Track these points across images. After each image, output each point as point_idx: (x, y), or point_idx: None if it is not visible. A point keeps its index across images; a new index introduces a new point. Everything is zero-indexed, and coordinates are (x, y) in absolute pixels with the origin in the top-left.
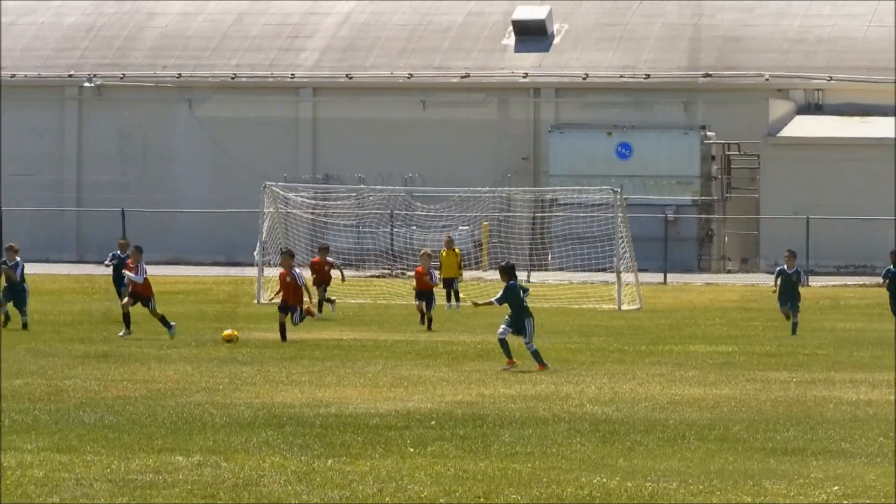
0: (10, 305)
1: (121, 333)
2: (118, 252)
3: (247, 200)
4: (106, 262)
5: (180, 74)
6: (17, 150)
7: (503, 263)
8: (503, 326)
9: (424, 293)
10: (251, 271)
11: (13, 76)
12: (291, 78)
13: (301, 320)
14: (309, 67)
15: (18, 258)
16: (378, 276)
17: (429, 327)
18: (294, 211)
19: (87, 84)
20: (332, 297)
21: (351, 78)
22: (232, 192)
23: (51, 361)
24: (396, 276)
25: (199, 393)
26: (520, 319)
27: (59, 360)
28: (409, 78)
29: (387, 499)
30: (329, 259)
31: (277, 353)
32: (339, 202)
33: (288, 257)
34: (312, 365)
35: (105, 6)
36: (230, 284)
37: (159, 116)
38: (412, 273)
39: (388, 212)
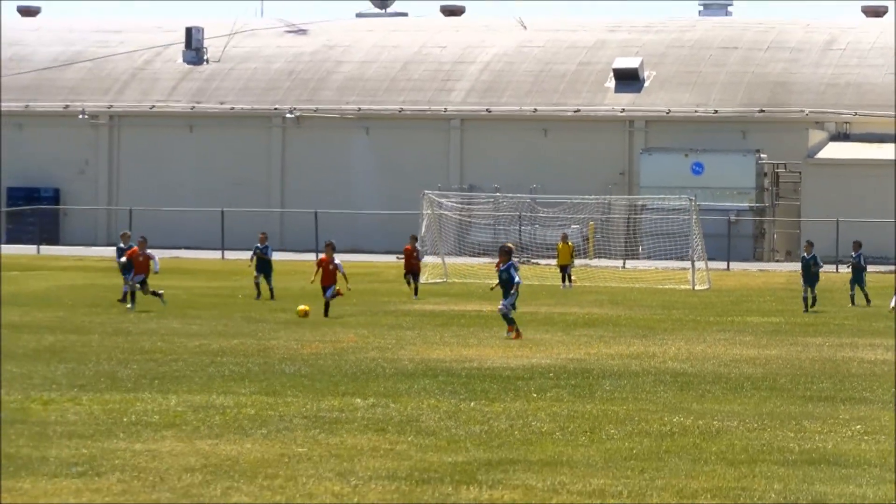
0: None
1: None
2: (121, 245)
3: (410, 204)
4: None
5: (360, 108)
6: (236, 164)
7: (503, 246)
8: (508, 301)
9: (411, 271)
10: None
11: (232, 108)
12: (444, 111)
13: (332, 297)
14: (458, 103)
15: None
16: None
17: (416, 293)
18: (445, 213)
19: (288, 115)
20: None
21: (490, 111)
22: (398, 198)
23: (261, 326)
24: (523, 263)
25: (373, 350)
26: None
27: (267, 325)
28: (534, 112)
29: (516, 432)
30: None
31: (433, 321)
32: (480, 206)
33: (330, 249)
34: (459, 330)
35: (303, 56)
36: (397, 269)
37: (343, 140)
38: (537, 260)
39: (517, 213)
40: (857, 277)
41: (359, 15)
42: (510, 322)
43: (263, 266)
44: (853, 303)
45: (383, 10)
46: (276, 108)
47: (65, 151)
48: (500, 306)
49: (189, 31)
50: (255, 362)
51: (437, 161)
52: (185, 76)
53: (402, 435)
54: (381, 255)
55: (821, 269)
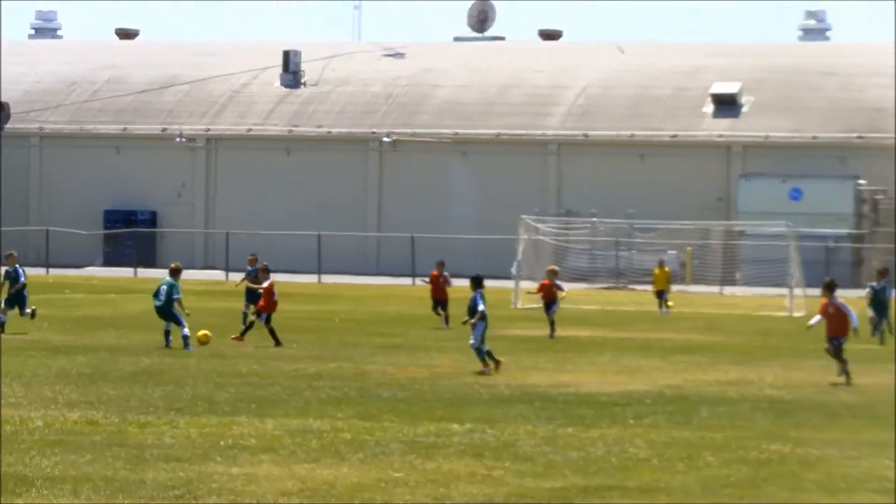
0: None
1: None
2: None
3: (507, 229)
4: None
5: (457, 132)
6: (332, 188)
7: (475, 275)
8: (475, 333)
9: (438, 299)
10: (509, 283)
11: (329, 132)
12: (542, 136)
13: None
14: (555, 127)
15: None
16: (606, 288)
17: (447, 322)
18: (542, 238)
19: (385, 139)
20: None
21: (587, 136)
22: (495, 222)
23: (357, 350)
24: (620, 289)
25: (468, 375)
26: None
27: (363, 349)
28: (631, 137)
29: (613, 459)
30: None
31: (528, 346)
32: (576, 231)
33: (441, 266)
34: (555, 355)
35: (400, 79)
36: (493, 293)
37: (440, 165)
38: (634, 286)
39: (614, 239)
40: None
41: (456, 38)
42: (482, 358)
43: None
44: None
45: (481, 34)
46: (373, 132)
47: (162, 174)
48: (470, 340)
49: (286, 54)
50: (352, 386)
51: (534, 185)
52: (282, 99)
53: (499, 460)
54: None
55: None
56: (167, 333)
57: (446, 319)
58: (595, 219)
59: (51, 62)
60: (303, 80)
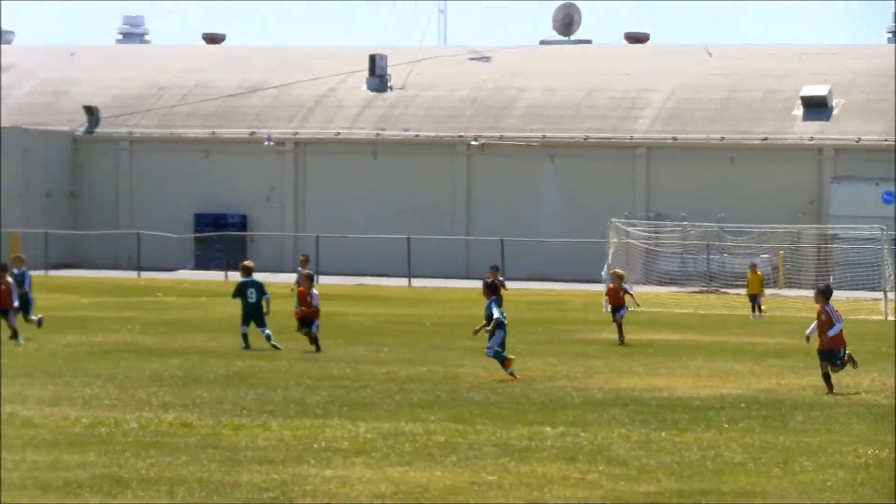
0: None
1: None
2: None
3: (596, 233)
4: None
5: (545, 136)
6: (420, 191)
7: (489, 280)
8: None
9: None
10: (599, 287)
11: (416, 135)
12: (630, 139)
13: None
14: (643, 131)
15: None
16: (698, 292)
17: None
18: (632, 241)
19: (473, 143)
20: None
21: (676, 139)
22: (584, 225)
23: (448, 353)
24: (712, 293)
25: (561, 379)
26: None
27: (454, 352)
28: (720, 140)
29: (708, 463)
30: None
31: (621, 350)
32: (667, 234)
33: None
34: (647, 359)
35: (486, 83)
36: (583, 297)
37: (528, 168)
38: (726, 290)
39: (705, 242)
40: None
41: (542, 42)
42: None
43: None
44: None
45: (567, 37)
46: (460, 136)
47: (251, 178)
48: (486, 349)
49: (373, 58)
50: (444, 389)
51: (623, 189)
52: (368, 103)
53: (593, 464)
54: (568, 283)
55: None
56: (245, 336)
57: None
58: (686, 222)
59: (139, 67)
60: (389, 84)
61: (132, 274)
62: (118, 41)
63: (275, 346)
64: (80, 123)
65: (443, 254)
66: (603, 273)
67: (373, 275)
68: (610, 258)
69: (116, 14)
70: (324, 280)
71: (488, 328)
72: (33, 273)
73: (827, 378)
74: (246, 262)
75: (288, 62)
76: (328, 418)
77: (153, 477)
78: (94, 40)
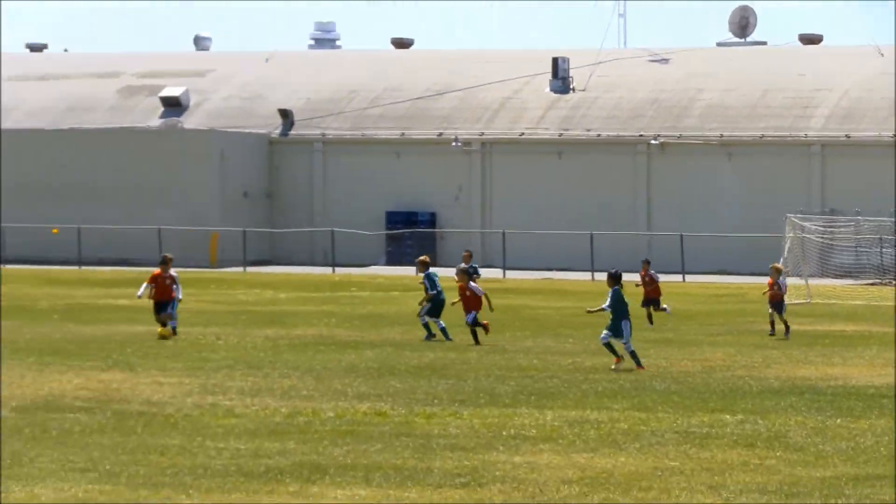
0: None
1: None
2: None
3: (773, 227)
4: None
5: (722, 135)
6: (602, 189)
7: (611, 271)
8: (605, 331)
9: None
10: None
11: (598, 135)
12: (805, 137)
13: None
14: (818, 129)
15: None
16: (871, 284)
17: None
18: (808, 236)
19: (653, 142)
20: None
21: (849, 137)
22: (761, 221)
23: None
24: (885, 285)
25: (740, 369)
26: (617, 323)
27: (637, 343)
28: (892, 137)
29: (882, 449)
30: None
31: (798, 341)
32: (841, 229)
33: (464, 274)
34: (823, 349)
35: (665, 84)
36: (760, 289)
37: (706, 166)
38: None
39: (878, 236)
40: None
41: (719, 44)
42: (637, 361)
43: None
44: None
45: (742, 39)
46: (640, 135)
47: (440, 177)
48: (624, 345)
49: (555, 61)
50: (627, 379)
51: (799, 185)
52: (552, 105)
53: (771, 450)
54: (746, 276)
55: None
56: (427, 325)
57: (650, 318)
58: (859, 217)
59: (331, 71)
60: (572, 86)
61: (327, 270)
62: (310, 46)
63: (447, 338)
64: (275, 126)
65: (625, 249)
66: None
67: (557, 269)
68: (786, 252)
69: (308, 20)
70: (510, 275)
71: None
72: (233, 270)
73: None
74: (422, 257)
75: (474, 66)
76: (517, 407)
77: (349, 463)
78: (288, 46)
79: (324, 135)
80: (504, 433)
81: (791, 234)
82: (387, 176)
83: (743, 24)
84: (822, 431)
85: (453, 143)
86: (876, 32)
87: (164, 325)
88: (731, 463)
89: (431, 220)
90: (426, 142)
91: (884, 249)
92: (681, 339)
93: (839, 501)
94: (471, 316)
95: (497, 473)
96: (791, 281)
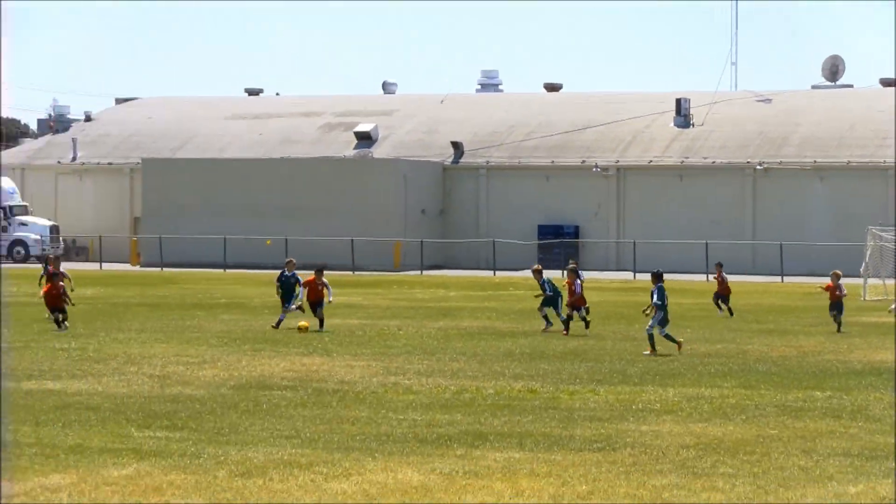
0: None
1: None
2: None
3: (856, 237)
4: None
5: (815, 161)
6: (716, 207)
7: (655, 271)
8: (651, 322)
9: (721, 294)
10: (859, 280)
11: (713, 162)
12: (883, 163)
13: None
14: (893, 157)
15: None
16: None
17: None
18: (886, 244)
19: (758, 167)
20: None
21: None
22: (847, 231)
23: (738, 334)
24: None
25: (829, 353)
26: (664, 315)
27: (743, 333)
28: None
29: None
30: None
31: (877, 330)
32: None
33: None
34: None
35: (768, 119)
36: (849, 288)
37: (802, 187)
38: None
39: None
40: None
41: (813, 87)
42: (652, 343)
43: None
44: None
45: (833, 83)
46: (748, 162)
47: (582, 197)
48: (647, 327)
49: (678, 101)
50: (735, 363)
51: (879, 202)
52: (675, 137)
53: (854, 421)
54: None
55: None
56: (546, 317)
57: (730, 311)
58: None
59: (494, 110)
60: (692, 122)
61: (489, 273)
62: (477, 90)
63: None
64: (448, 155)
65: (735, 255)
66: (861, 269)
67: (679, 272)
68: (867, 258)
69: (476, 68)
70: (640, 277)
71: (646, 311)
72: (412, 273)
73: None
74: (536, 266)
75: (611, 105)
76: (644, 385)
77: (506, 431)
78: (459, 89)
79: (487, 162)
80: (633, 407)
81: (871, 243)
82: (538, 196)
83: (834, 70)
84: None
85: (594, 169)
86: None
87: (321, 321)
88: (821, 431)
89: (575, 232)
90: (571, 168)
91: None
92: (780, 329)
93: None
94: (582, 309)
95: (627, 440)
96: (872, 282)
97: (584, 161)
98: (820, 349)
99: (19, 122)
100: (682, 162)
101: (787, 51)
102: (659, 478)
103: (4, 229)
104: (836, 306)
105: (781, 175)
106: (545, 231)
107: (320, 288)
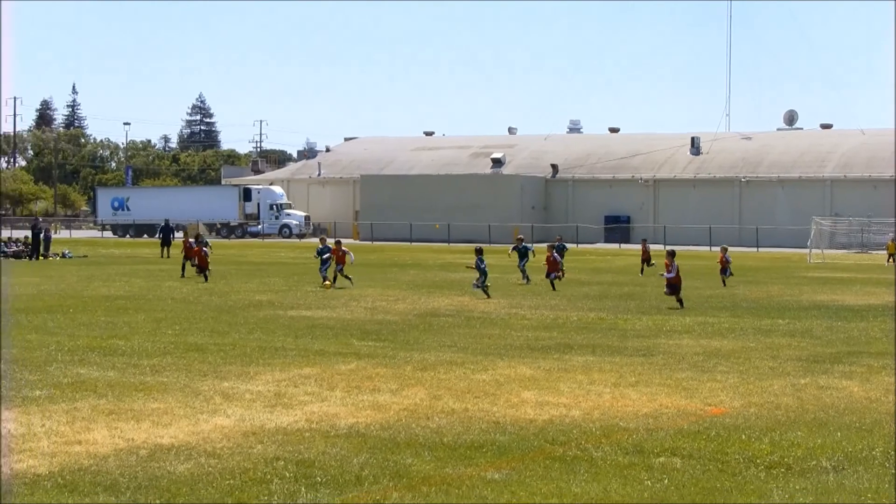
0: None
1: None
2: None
3: (806, 224)
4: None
5: (779, 176)
6: (713, 204)
7: (670, 250)
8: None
9: None
10: (806, 250)
11: (714, 177)
12: None
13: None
14: None
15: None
16: None
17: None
18: (823, 228)
19: (742, 180)
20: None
21: None
22: (799, 221)
23: (729, 285)
24: None
25: (786, 296)
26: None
27: (732, 284)
28: None
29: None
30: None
31: (819, 281)
32: None
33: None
34: None
35: (749, 149)
36: None
37: (770, 193)
38: None
39: None
40: None
41: (778, 129)
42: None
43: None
44: None
45: (790, 126)
46: (736, 177)
47: (632, 198)
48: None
49: (693, 138)
50: (727, 301)
51: (819, 202)
52: (690, 161)
53: (804, 338)
54: None
55: None
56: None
57: (723, 282)
58: None
59: (577, 144)
60: (701, 151)
61: (574, 245)
62: (567, 131)
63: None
64: (548, 173)
65: (727, 234)
66: (808, 243)
67: (692, 245)
68: (812, 236)
69: (567, 117)
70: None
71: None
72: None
73: None
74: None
75: (650, 140)
76: (670, 315)
77: (584, 343)
78: (555, 131)
79: (573, 177)
80: (664, 328)
81: (814, 227)
82: (605, 198)
83: (790, 117)
84: None
85: (639, 181)
86: None
87: (333, 280)
88: (782, 345)
89: (627, 220)
90: (625, 181)
91: None
92: (756, 280)
93: None
94: (549, 275)
95: (660, 349)
96: (814, 251)
97: (632, 176)
98: (781, 293)
99: (285, 152)
100: (695, 177)
101: (760, 104)
102: (680, 373)
103: (277, 217)
104: (724, 270)
105: (758, 185)
106: (609, 220)
107: (342, 255)
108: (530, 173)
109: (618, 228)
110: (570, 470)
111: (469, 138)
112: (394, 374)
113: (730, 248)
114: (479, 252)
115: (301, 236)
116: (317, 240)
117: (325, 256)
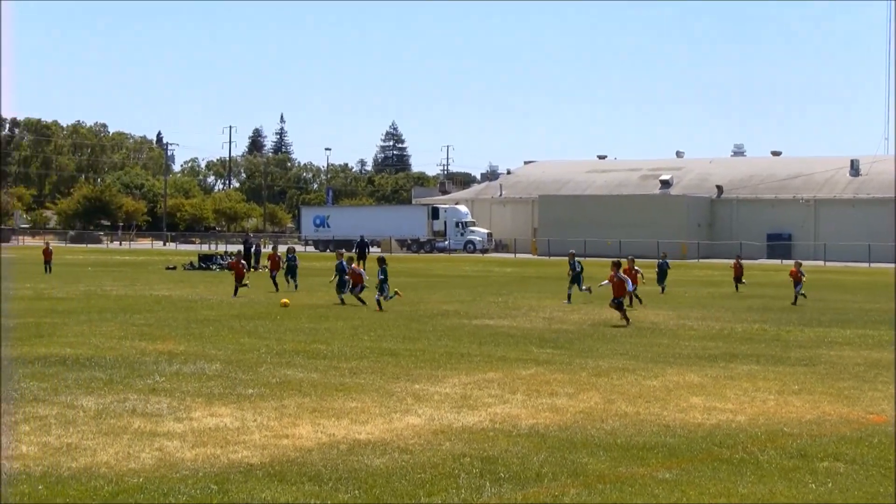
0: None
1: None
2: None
3: None
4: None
5: None
6: (873, 223)
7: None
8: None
9: None
10: None
11: (874, 197)
12: None
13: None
14: None
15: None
16: None
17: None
18: None
19: None
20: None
21: None
22: None
23: None
24: None
25: None
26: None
27: None
28: None
29: None
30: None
31: None
32: None
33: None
34: None
35: None
36: None
37: None
38: None
39: None
40: None
41: None
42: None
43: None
44: None
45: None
46: (893, 197)
47: (793, 217)
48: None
49: (852, 161)
50: None
51: None
52: (850, 182)
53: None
54: None
55: None
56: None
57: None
58: None
59: (741, 167)
60: (860, 173)
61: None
62: (731, 155)
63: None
64: (714, 193)
65: (887, 250)
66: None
67: (853, 261)
68: None
69: (731, 142)
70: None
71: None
72: (692, 261)
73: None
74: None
75: (810, 163)
76: (831, 327)
77: (748, 353)
78: (720, 154)
79: (737, 197)
80: (825, 340)
81: None
82: (767, 216)
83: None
84: None
85: (800, 201)
86: None
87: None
88: None
89: (789, 237)
90: (787, 200)
91: None
92: None
93: None
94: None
95: (822, 359)
96: None
97: (794, 196)
98: None
99: (470, 174)
100: (854, 197)
101: None
102: (842, 382)
103: (462, 234)
104: (797, 284)
105: None
106: (771, 237)
107: (358, 276)
108: (696, 194)
109: (779, 245)
110: (737, 472)
111: (639, 161)
112: (570, 380)
113: (887, 265)
114: (381, 261)
115: (484, 251)
116: (498, 254)
117: (345, 278)
